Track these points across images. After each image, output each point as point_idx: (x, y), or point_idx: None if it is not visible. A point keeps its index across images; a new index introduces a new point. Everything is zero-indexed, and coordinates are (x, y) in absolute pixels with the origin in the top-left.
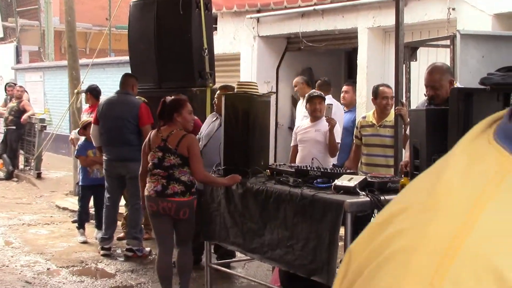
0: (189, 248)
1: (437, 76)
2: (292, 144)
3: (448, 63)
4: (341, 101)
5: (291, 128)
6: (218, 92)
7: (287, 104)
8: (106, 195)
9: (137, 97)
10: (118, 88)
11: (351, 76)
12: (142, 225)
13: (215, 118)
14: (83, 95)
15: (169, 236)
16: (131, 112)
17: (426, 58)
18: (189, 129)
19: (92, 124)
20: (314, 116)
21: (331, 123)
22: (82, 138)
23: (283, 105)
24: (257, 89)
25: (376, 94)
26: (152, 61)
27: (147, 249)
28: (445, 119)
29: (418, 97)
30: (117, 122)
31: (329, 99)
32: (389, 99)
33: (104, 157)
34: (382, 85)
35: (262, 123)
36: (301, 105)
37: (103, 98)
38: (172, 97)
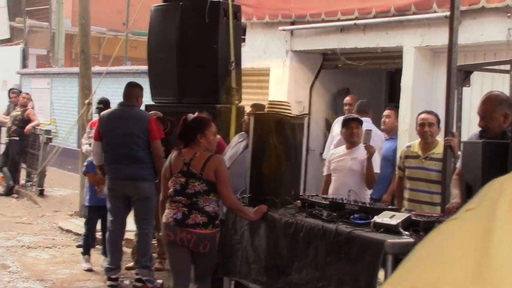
0: (207, 286)
1: (488, 107)
2: (325, 173)
3: (506, 91)
4: (381, 127)
5: (322, 153)
6: (249, 110)
7: (320, 127)
8: (109, 218)
9: (152, 111)
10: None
11: (392, 100)
12: (155, 254)
13: (242, 139)
14: (94, 106)
15: (185, 269)
16: (141, 127)
17: (480, 84)
18: (212, 151)
19: (94, 141)
20: (351, 142)
21: (370, 151)
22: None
23: (315, 128)
24: (290, 109)
25: (417, 121)
26: (173, 73)
27: (159, 281)
28: (505, 154)
29: (469, 127)
30: (125, 139)
31: (367, 123)
32: (426, 126)
33: (108, 176)
34: (425, 111)
35: (294, 148)
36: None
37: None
38: (195, 115)
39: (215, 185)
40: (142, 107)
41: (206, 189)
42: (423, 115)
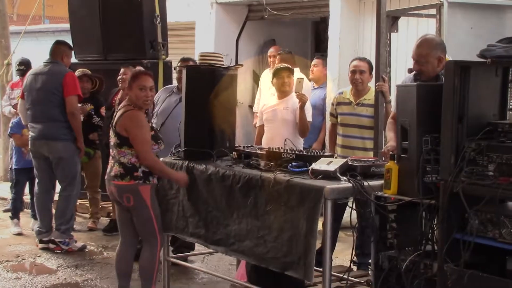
0: (150, 247)
1: (423, 50)
2: (257, 124)
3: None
4: (309, 77)
5: (251, 106)
6: (179, 64)
7: (247, 79)
8: (36, 180)
9: (80, 69)
10: None
11: (318, 49)
12: (87, 214)
13: (171, 92)
14: (13, 67)
15: (127, 226)
16: (54, 83)
17: (406, 29)
18: (141, 107)
19: (19, 99)
20: (282, 91)
21: (302, 99)
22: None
23: (243, 81)
24: (222, 61)
25: (349, 67)
26: (97, 29)
27: (78, 244)
28: (439, 96)
29: (396, 72)
30: (40, 95)
31: (297, 73)
32: (357, 73)
33: (29, 136)
34: (357, 58)
35: (228, 100)
36: (265, 79)
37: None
38: (138, 68)
39: (127, 140)
40: None
41: (118, 142)
42: (355, 62)
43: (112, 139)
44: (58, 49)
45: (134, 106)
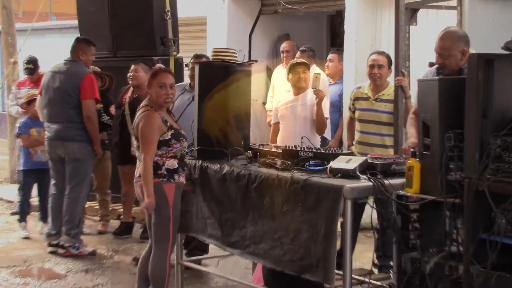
0: (161, 252)
1: (446, 43)
2: (272, 121)
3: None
4: (325, 72)
5: (265, 103)
6: (192, 61)
7: (261, 75)
8: (52, 181)
9: (92, 67)
10: (62, 58)
11: (334, 44)
12: (96, 217)
13: (183, 90)
14: (20, 66)
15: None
16: (71, 84)
17: (425, 22)
18: (161, 106)
19: (38, 95)
20: (298, 87)
21: (319, 95)
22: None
23: (256, 77)
24: (236, 57)
25: (367, 62)
26: (106, 26)
27: (88, 248)
28: (462, 90)
29: (416, 67)
30: (57, 95)
31: (314, 69)
32: (375, 68)
33: (45, 136)
34: (376, 52)
35: (242, 97)
36: (278, 76)
37: (46, 68)
38: (158, 66)
39: None
40: None
41: (138, 145)
42: (373, 56)
43: (135, 142)
44: (76, 46)
45: (153, 106)
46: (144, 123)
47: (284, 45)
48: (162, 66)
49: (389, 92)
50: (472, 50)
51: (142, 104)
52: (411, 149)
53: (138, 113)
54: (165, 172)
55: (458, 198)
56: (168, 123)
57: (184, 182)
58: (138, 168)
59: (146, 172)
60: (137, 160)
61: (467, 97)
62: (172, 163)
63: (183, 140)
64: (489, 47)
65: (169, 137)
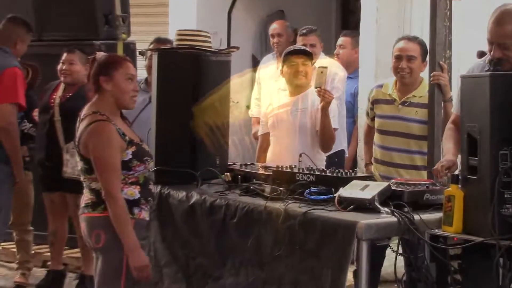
0: None
1: (508, 28)
2: (260, 132)
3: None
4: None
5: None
6: (152, 46)
7: (245, 68)
8: None
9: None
10: None
11: (346, 25)
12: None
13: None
14: None
15: None
16: None
17: None
18: (127, 107)
19: None
20: (296, 85)
21: (325, 98)
22: None
23: (238, 71)
24: (209, 42)
25: (392, 51)
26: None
27: None
28: None
29: (460, 57)
30: None
31: (322, 58)
32: (404, 60)
33: None
34: (404, 38)
35: (219, 98)
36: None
37: None
38: (101, 54)
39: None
40: None
41: (86, 168)
42: (401, 44)
43: (79, 162)
44: (11, 29)
45: (104, 112)
46: (98, 141)
47: (274, 27)
48: (103, 53)
49: (422, 93)
50: None
51: (87, 111)
52: (446, 171)
53: (83, 124)
54: None
55: None
56: (127, 137)
57: (147, 218)
58: (84, 196)
59: (120, 218)
60: (84, 187)
61: None
62: (132, 192)
63: (148, 160)
64: None
65: (130, 156)
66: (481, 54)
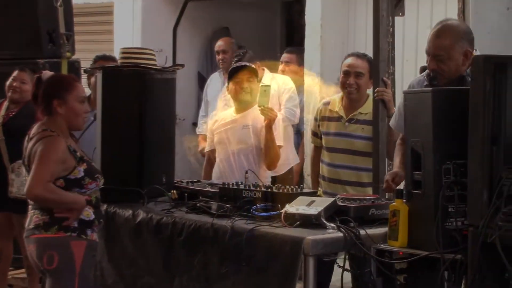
0: None
1: (445, 42)
2: (206, 149)
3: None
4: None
5: (196, 124)
6: (94, 64)
7: (191, 85)
8: None
9: None
10: None
11: (291, 41)
12: None
13: None
14: None
15: None
16: None
17: (415, 11)
18: (79, 128)
19: None
20: (242, 101)
21: (269, 116)
22: None
23: (184, 88)
24: (154, 60)
25: (341, 67)
26: None
27: None
28: (464, 106)
29: (403, 72)
30: None
31: (267, 76)
32: (352, 76)
33: None
34: (353, 54)
35: (164, 115)
36: (213, 87)
37: None
38: (46, 73)
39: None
40: None
41: None
42: (349, 60)
43: (27, 180)
44: None
45: (55, 130)
46: (43, 149)
47: (219, 44)
48: (49, 72)
49: (368, 109)
50: (475, 51)
51: (36, 130)
52: (392, 184)
53: (32, 142)
54: (76, 225)
55: (459, 253)
56: (78, 154)
57: (97, 240)
58: (33, 218)
59: (53, 196)
60: (29, 207)
61: (471, 115)
62: (88, 213)
63: (99, 177)
64: (503, 46)
65: (82, 174)
66: (423, 69)
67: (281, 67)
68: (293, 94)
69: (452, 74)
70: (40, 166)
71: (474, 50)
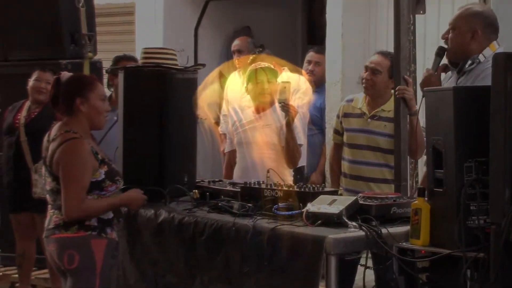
0: None
1: (458, 13)
2: (226, 149)
3: None
4: (309, 78)
5: (218, 123)
6: (114, 65)
7: (212, 85)
8: None
9: None
10: None
11: (312, 40)
12: None
13: None
14: None
15: None
16: None
17: (437, 10)
18: (100, 127)
19: None
20: (262, 102)
21: (289, 113)
22: None
23: (205, 87)
24: (175, 59)
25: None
26: None
27: None
28: (484, 103)
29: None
30: None
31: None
32: (368, 72)
33: None
34: (379, 52)
35: (186, 115)
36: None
37: None
38: (65, 73)
39: None
40: None
41: (58, 188)
42: (373, 57)
43: (48, 183)
44: None
45: (77, 131)
46: (71, 159)
47: (235, 43)
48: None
49: (391, 107)
50: (496, 46)
51: (58, 130)
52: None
53: (55, 143)
54: (96, 224)
55: (482, 251)
56: (99, 156)
57: (117, 239)
58: (52, 218)
59: (96, 208)
60: (49, 207)
61: (493, 112)
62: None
63: (119, 180)
64: None
65: (103, 176)
66: (445, 68)
67: (310, 67)
68: (301, 95)
69: (456, 47)
70: (71, 184)
71: (498, 46)
